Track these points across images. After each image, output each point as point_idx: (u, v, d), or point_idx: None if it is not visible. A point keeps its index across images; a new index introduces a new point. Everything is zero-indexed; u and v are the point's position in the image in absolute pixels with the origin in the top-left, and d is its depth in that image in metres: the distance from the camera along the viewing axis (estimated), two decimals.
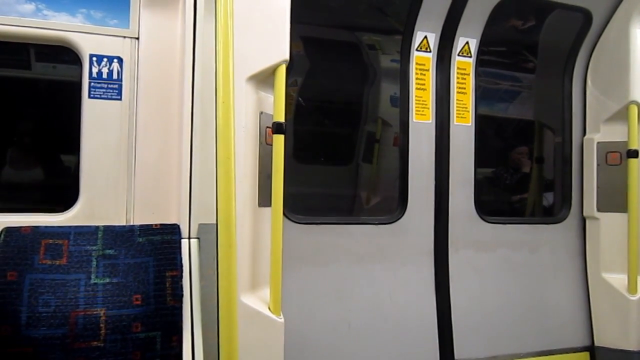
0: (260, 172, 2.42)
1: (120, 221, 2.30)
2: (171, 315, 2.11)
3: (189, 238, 2.29)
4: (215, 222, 2.20)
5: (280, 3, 2.41)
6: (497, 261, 3.64)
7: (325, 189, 4.51)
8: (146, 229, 2.24)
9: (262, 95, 2.44)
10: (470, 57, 3.56)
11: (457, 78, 3.54)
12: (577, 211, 3.84)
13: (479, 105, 3.65)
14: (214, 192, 2.21)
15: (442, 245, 3.49)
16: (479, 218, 3.58)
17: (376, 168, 4.51)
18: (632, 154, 3.53)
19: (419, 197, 3.45)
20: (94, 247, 2.16)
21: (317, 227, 3.24)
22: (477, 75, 3.62)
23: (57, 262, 2.09)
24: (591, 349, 3.76)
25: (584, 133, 3.87)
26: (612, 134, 3.67)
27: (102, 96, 2.30)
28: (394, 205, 3.52)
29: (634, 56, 3.56)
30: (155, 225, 2.26)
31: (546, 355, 3.68)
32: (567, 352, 3.73)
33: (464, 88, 3.55)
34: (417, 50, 3.46)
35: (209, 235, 2.24)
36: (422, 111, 3.48)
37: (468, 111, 3.56)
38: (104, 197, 2.29)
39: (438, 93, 3.51)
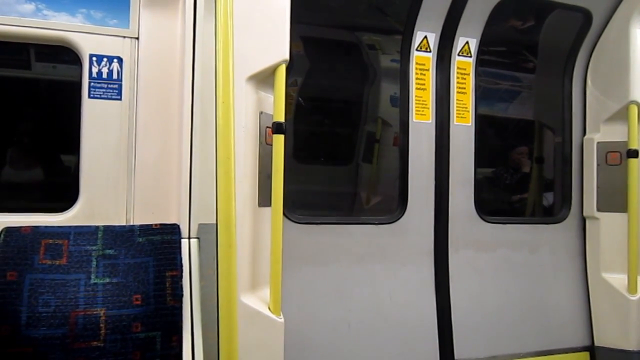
0: (260, 172, 2.42)
1: (120, 221, 2.30)
2: (171, 315, 2.11)
3: (189, 238, 2.29)
4: (215, 222, 2.20)
5: (280, 3, 2.41)
6: (497, 261, 3.64)
7: (325, 189, 4.51)
8: (146, 229, 2.24)
9: (262, 95, 2.44)
10: (470, 57, 3.56)
11: (457, 78, 3.54)
12: (577, 211, 3.84)
13: (479, 105, 3.65)
14: (214, 192, 2.21)
15: (442, 245, 3.49)
16: (479, 218, 3.58)
17: (376, 168, 4.51)
18: (632, 153, 3.53)
19: (419, 197, 3.45)
20: (94, 247, 2.16)
21: (317, 227, 3.24)
22: (477, 75, 3.62)
23: (57, 262, 2.09)
24: (591, 349, 3.76)
25: (584, 133, 3.87)
26: (612, 133, 3.67)
27: (102, 96, 2.30)
28: (394, 205, 3.52)
29: (634, 56, 3.56)
30: (155, 225, 2.25)
31: (546, 355, 3.68)
32: (567, 352, 3.74)
33: (464, 88, 3.55)
34: (417, 50, 3.46)
35: (209, 235, 2.24)
36: (422, 111, 3.48)
37: (468, 111, 3.56)
38: (104, 197, 2.29)
39: (438, 93, 3.51)
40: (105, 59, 2.31)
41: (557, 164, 4.08)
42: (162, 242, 2.20)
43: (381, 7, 4.19)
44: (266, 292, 2.39)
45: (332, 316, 3.20)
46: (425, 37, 3.46)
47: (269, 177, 2.37)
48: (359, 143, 4.68)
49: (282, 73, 2.37)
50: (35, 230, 2.13)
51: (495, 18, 3.57)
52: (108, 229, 2.22)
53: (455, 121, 3.52)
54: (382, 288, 3.35)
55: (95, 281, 2.10)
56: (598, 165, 3.72)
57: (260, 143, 2.43)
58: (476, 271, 3.57)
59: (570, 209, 3.85)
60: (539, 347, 3.68)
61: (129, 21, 2.34)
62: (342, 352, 3.21)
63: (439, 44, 3.50)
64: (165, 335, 2.09)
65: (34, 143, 3.07)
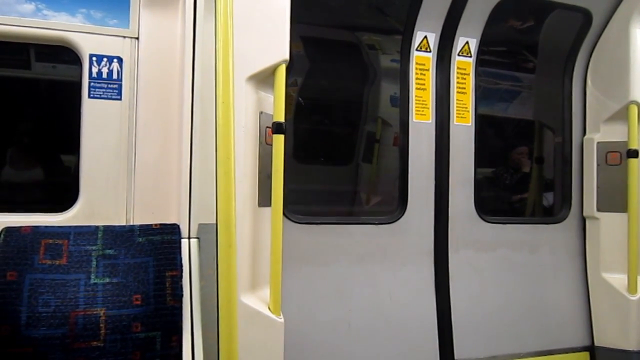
0: (260, 172, 2.42)
1: (120, 221, 2.30)
2: (171, 315, 2.11)
3: (189, 238, 2.29)
4: (215, 222, 2.20)
5: (280, 3, 2.41)
6: (497, 261, 3.64)
7: (325, 189, 4.51)
8: (146, 229, 2.24)
9: (262, 95, 2.44)
10: (470, 57, 3.56)
11: (457, 78, 3.54)
12: (577, 211, 3.84)
13: (479, 105, 3.65)
14: (213, 192, 2.21)
15: (442, 245, 3.49)
16: (479, 218, 3.58)
17: (376, 168, 4.51)
18: (632, 153, 3.53)
19: (419, 197, 3.45)
20: (94, 247, 2.16)
21: (317, 227, 3.24)
22: (477, 75, 3.62)
23: (57, 262, 2.09)
24: (591, 349, 3.76)
25: (584, 133, 3.86)
26: (612, 133, 3.67)
27: (102, 96, 2.30)
28: (394, 205, 3.52)
29: (634, 56, 3.56)
30: (155, 225, 2.25)
31: (546, 355, 3.68)
32: (567, 352, 3.73)
33: (464, 88, 3.55)
34: (417, 50, 3.46)
35: (209, 235, 2.24)
36: (422, 111, 3.48)
37: (468, 111, 3.56)
38: (104, 197, 2.29)
39: (438, 93, 3.51)
40: (105, 59, 2.31)
41: (557, 164, 4.07)
42: (162, 242, 2.20)
43: (381, 7, 4.19)
44: (266, 292, 2.39)
45: (332, 316, 3.20)
46: (425, 37, 3.46)
47: (269, 177, 2.37)
48: (359, 143, 4.69)
49: (282, 73, 2.37)
50: (35, 230, 2.13)
51: (495, 18, 3.57)
52: (108, 229, 2.21)
53: (455, 121, 3.52)
54: (382, 288, 3.35)
55: (95, 281, 2.10)
56: (598, 165, 3.72)
57: (260, 143, 2.43)
58: (476, 271, 3.57)
59: (570, 209, 3.85)
60: (539, 347, 3.68)
61: (129, 21, 2.34)
62: (342, 352, 3.21)
63: (439, 44, 3.49)
64: (165, 335, 2.09)
65: (34, 143, 3.07)
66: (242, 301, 2.26)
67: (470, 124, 3.57)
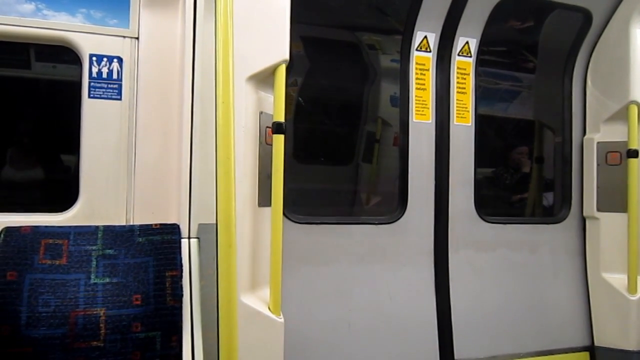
0: (260, 172, 2.42)
1: (120, 221, 2.30)
2: (171, 315, 2.11)
3: (189, 238, 2.29)
4: (215, 222, 2.20)
5: (280, 3, 2.41)
6: (497, 261, 3.64)
7: (325, 189, 4.51)
8: (146, 229, 2.24)
9: (262, 95, 2.44)
10: (470, 57, 3.56)
11: (457, 78, 3.53)
12: (577, 211, 3.84)
13: (479, 105, 3.64)
14: (213, 192, 2.21)
15: (442, 245, 3.49)
16: (479, 218, 3.58)
17: (376, 168, 4.51)
18: (632, 153, 3.53)
19: (419, 197, 3.44)
20: (94, 247, 2.16)
21: (317, 227, 3.24)
22: (477, 75, 3.62)
23: (57, 262, 2.09)
24: (591, 349, 3.76)
25: (584, 133, 3.86)
26: (612, 133, 3.67)
27: (102, 96, 2.30)
28: (394, 205, 3.52)
29: (634, 56, 3.56)
30: (155, 225, 2.25)
31: (546, 355, 3.68)
32: (567, 352, 3.73)
33: (464, 88, 3.55)
34: (417, 50, 3.46)
35: (209, 235, 2.24)
36: (422, 111, 3.48)
37: (468, 111, 3.56)
38: (104, 197, 2.29)
39: (438, 93, 3.51)
40: (105, 59, 2.31)
41: (557, 164, 4.07)
42: (162, 242, 2.20)
43: (381, 7, 4.19)
44: (266, 292, 2.39)
45: (332, 316, 3.20)
46: (425, 37, 3.46)
47: (269, 177, 2.37)
48: (359, 143, 4.68)
49: (282, 73, 2.37)
50: (35, 230, 2.13)
51: (495, 18, 3.57)
52: (108, 229, 2.21)
53: (455, 121, 3.52)
54: (382, 288, 3.35)
55: (95, 281, 2.10)
56: (598, 165, 3.72)
57: (260, 143, 2.43)
58: (476, 271, 3.57)
59: (570, 209, 3.85)
60: (539, 347, 3.68)
61: (129, 21, 2.34)
62: (342, 352, 3.21)
63: (439, 44, 3.49)
64: (165, 335, 2.09)
65: (34, 143, 3.07)
66: (242, 301, 2.26)
67: (470, 124, 3.57)
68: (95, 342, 2.01)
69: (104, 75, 2.30)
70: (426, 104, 3.49)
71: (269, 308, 2.36)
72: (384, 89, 4.45)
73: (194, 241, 2.29)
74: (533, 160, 4.60)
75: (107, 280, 2.11)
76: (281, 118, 2.34)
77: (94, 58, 2.29)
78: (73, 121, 2.29)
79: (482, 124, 3.82)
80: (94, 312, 2.03)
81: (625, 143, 3.58)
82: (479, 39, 3.56)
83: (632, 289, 3.51)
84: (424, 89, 3.48)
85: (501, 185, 4.72)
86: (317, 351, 3.14)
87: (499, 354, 3.56)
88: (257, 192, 2.41)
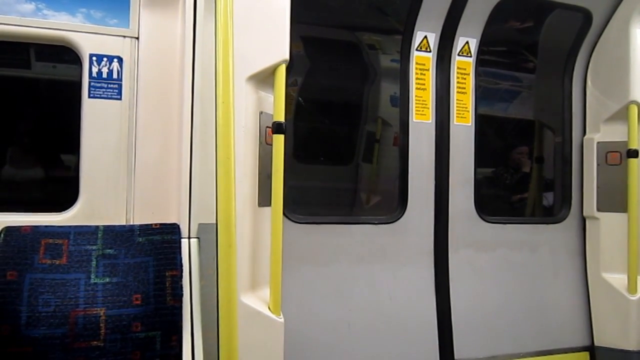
0: (260, 172, 2.42)
1: (120, 221, 2.30)
2: (171, 315, 2.11)
3: (189, 238, 2.29)
4: (215, 221, 2.20)
5: (280, 3, 2.41)
6: (497, 261, 3.64)
7: (325, 188, 4.51)
8: (146, 229, 2.24)
9: (262, 95, 2.44)
10: (470, 56, 3.56)
11: (457, 78, 3.54)
12: (577, 211, 3.84)
13: (479, 105, 3.64)
14: (213, 192, 2.21)
15: (442, 245, 3.49)
16: (479, 218, 3.58)
17: (376, 168, 4.51)
18: (632, 153, 3.53)
19: (419, 197, 3.44)
20: (94, 247, 2.16)
21: (317, 227, 3.24)
22: (477, 75, 3.62)
23: (57, 262, 2.09)
24: (591, 349, 3.76)
25: (584, 133, 3.86)
26: (612, 133, 3.67)
27: (102, 96, 2.30)
28: (394, 205, 3.52)
29: (634, 56, 3.56)
30: (155, 225, 2.25)
31: (546, 355, 3.68)
32: (567, 352, 3.73)
33: (464, 88, 3.55)
34: (417, 50, 3.46)
35: (209, 235, 2.24)
36: (422, 111, 3.48)
37: (468, 111, 3.56)
38: (104, 197, 2.29)
39: (438, 93, 3.51)
40: (105, 59, 2.31)
41: (557, 163, 4.07)
42: (162, 241, 2.20)
43: (381, 7, 4.19)
44: (266, 292, 2.39)
45: (332, 316, 3.20)
46: (425, 37, 3.46)
47: (269, 177, 2.37)
48: (359, 143, 4.69)
49: (282, 73, 2.37)
50: (35, 229, 2.13)
51: (495, 18, 3.57)
52: (108, 229, 2.21)
53: (455, 121, 3.52)
54: (382, 288, 3.35)
55: (95, 281, 2.10)
56: (598, 165, 3.72)
57: (260, 143, 2.43)
58: (476, 271, 3.57)
59: (570, 208, 3.85)
60: (538, 347, 3.68)
61: (129, 21, 2.34)
62: (342, 352, 3.21)
63: (439, 44, 3.49)
64: (165, 335, 2.09)
65: (34, 143, 3.07)
66: (242, 301, 2.26)
67: (470, 124, 3.57)
68: (95, 342, 2.01)
69: (104, 75, 2.30)
70: (426, 104, 3.49)
71: (269, 308, 2.36)
72: (384, 88, 4.46)
73: (194, 241, 2.29)
74: (533, 160, 4.60)
75: (107, 280, 2.11)
76: (281, 118, 2.34)
77: (94, 58, 2.29)
78: (73, 121, 2.29)
79: (482, 124, 3.82)
80: (94, 312, 2.03)
81: (625, 143, 3.57)
82: (479, 39, 3.56)
83: (632, 289, 3.51)
84: (424, 89, 3.48)
85: (501, 185, 4.72)
86: (317, 351, 3.14)
87: (499, 354, 3.56)
88: (257, 192, 2.41)
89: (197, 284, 2.24)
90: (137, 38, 2.34)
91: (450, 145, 3.50)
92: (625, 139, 3.58)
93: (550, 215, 4.10)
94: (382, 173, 4.47)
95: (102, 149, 2.30)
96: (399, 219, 3.41)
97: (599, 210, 3.71)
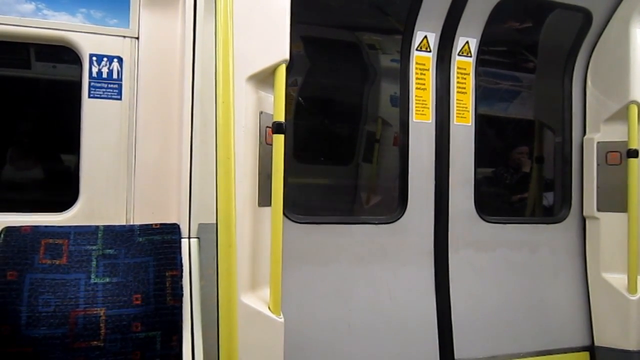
0: (260, 172, 2.42)
1: (120, 221, 2.30)
2: (171, 315, 2.11)
3: (189, 238, 2.29)
4: (215, 221, 2.20)
5: (280, 3, 2.41)
6: (497, 261, 3.64)
7: (325, 188, 4.51)
8: (146, 229, 2.24)
9: (262, 95, 2.44)
10: (471, 56, 3.56)
11: (457, 78, 3.53)
12: (577, 211, 3.84)
13: (479, 105, 3.65)
14: (214, 192, 2.21)
15: (442, 245, 3.49)
16: (479, 218, 3.58)
17: (376, 168, 4.51)
18: (632, 153, 3.53)
19: (419, 196, 3.45)
20: (94, 247, 2.16)
21: (317, 226, 3.24)
22: (477, 75, 3.62)
23: (57, 262, 2.09)
24: (591, 348, 3.76)
25: (584, 133, 3.86)
26: (612, 133, 3.67)
27: (102, 96, 2.30)
28: (394, 205, 3.52)
29: (634, 56, 3.56)
30: (155, 224, 2.25)
31: (546, 355, 3.68)
32: (567, 352, 3.73)
33: (464, 88, 3.55)
34: (417, 50, 3.46)
35: (209, 235, 2.24)
36: (422, 111, 3.48)
37: (468, 111, 3.56)
38: (104, 197, 2.29)
39: (438, 93, 3.51)
40: (105, 59, 2.31)
41: (557, 163, 4.07)
42: (162, 241, 2.20)
43: (381, 7, 4.19)
44: (266, 292, 2.39)
45: (332, 316, 3.20)
46: (425, 37, 3.46)
47: (269, 177, 2.37)
48: (359, 143, 4.68)
49: (282, 73, 2.37)
50: (35, 230, 2.13)
51: (495, 18, 3.57)
52: (108, 229, 2.22)
53: (455, 121, 3.52)
54: (382, 288, 3.35)
55: (95, 281, 2.10)
56: (598, 165, 3.72)
57: (260, 143, 2.43)
58: (476, 271, 3.57)
59: (570, 208, 3.85)
60: (539, 347, 3.68)
61: (129, 21, 2.34)
62: (342, 352, 3.21)
63: (439, 43, 3.49)
64: (165, 335, 2.09)
65: (34, 143, 3.07)
66: (242, 301, 2.26)
67: (470, 124, 3.57)
68: (95, 342, 2.01)
69: (104, 75, 2.30)
70: (426, 104, 3.49)
71: (269, 308, 2.36)
72: (384, 88, 4.46)
73: (194, 241, 2.29)
74: (533, 160, 4.60)
75: (107, 280, 2.11)
76: (281, 118, 2.34)
77: (94, 58, 2.29)
78: (73, 121, 2.29)
79: (482, 123, 3.83)
80: (94, 312, 2.03)
81: (625, 143, 3.58)
82: (479, 38, 3.56)
83: (632, 288, 3.52)
84: (424, 89, 3.48)
85: (501, 185, 4.72)
86: (317, 351, 3.14)
87: (499, 353, 3.56)
88: (257, 192, 2.41)
89: (197, 284, 2.24)
90: (137, 38, 2.34)
91: (450, 145, 3.50)
92: (625, 139, 3.58)
93: (550, 215, 4.10)
94: (382, 173, 4.47)
95: (102, 149, 2.30)
96: (399, 219, 3.41)
97: (599, 210, 3.71)
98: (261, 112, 2.43)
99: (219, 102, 2.16)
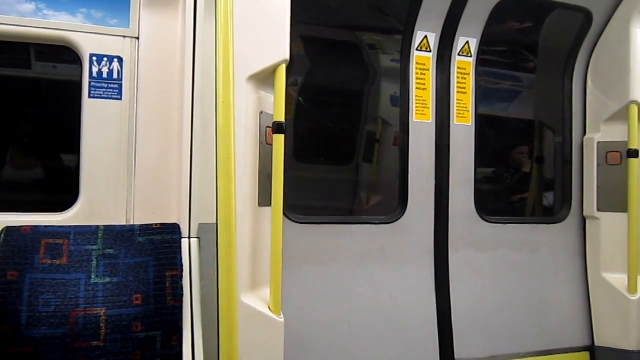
0: (260, 172, 2.42)
1: (120, 221, 2.30)
2: (171, 315, 2.11)
3: (189, 238, 2.29)
4: (215, 221, 2.20)
5: (280, 3, 2.41)
6: (498, 261, 3.64)
7: (325, 188, 4.51)
8: (146, 229, 2.24)
9: (262, 95, 2.44)
10: (471, 56, 3.56)
11: (458, 78, 3.53)
12: (578, 211, 3.84)
13: (479, 105, 3.64)
14: (214, 192, 2.21)
15: (442, 245, 3.49)
16: (479, 218, 3.58)
17: (376, 168, 4.51)
18: (633, 153, 3.53)
19: (419, 196, 3.44)
20: (95, 247, 2.16)
21: (318, 226, 3.24)
22: (478, 75, 3.62)
23: (58, 262, 2.09)
24: (591, 348, 3.76)
25: (584, 133, 3.86)
26: (612, 133, 3.67)
27: (103, 96, 2.30)
28: (394, 205, 3.52)
29: (634, 56, 3.56)
30: (156, 224, 2.26)
31: (546, 355, 3.68)
32: (567, 352, 3.73)
33: (464, 88, 3.55)
34: (417, 50, 3.46)
35: (209, 235, 2.24)
36: (423, 111, 3.48)
37: (468, 111, 3.56)
38: (104, 197, 2.30)
39: (438, 93, 3.51)
40: (105, 59, 2.31)
41: (558, 163, 4.07)
42: (162, 241, 2.20)
43: (381, 7, 4.19)
44: (266, 292, 2.39)
45: (332, 316, 3.20)
46: (426, 37, 3.46)
47: (269, 177, 2.37)
48: (359, 143, 4.68)
49: (282, 73, 2.37)
50: (36, 230, 2.13)
51: (495, 18, 3.57)
52: (108, 229, 2.22)
53: (455, 121, 3.52)
54: (382, 288, 3.35)
55: (96, 281, 2.10)
56: (598, 165, 3.72)
57: (261, 143, 2.43)
58: (476, 271, 3.57)
59: (570, 208, 3.84)
60: (539, 347, 3.68)
61: (129, 21, 2.34)
62: (342, 352, 3.21)
63: (439, 43, 3.49)
64: (165, 335, 2.09)
65: (35, 143, 3.07)
66: (242, 301, 2.26)
67: (470, 124, 3.57)
68: (95, 342, 2.01)
69: (105, 75, 2.30)
70: (426, 104, 3.49)
71: (269, 308, 2.36)
72: (384, 88, 4.45)
73: (194, 241, 2.29)
74: (533, 160, 4.60)
75: (108, 280, 2.11)
76: (281, 118, 2.34)
77: (95, 58, 2.30)
78: (73, 121, 2.29)
79: (483, 123, 3.83)
80: (95, 312, 2.03)
81: (626, 143, 3.58)
82: (479, 39, 3.56)
83: (632, 289, 3.51)
84: (424, 89, 3.48)
85: (501, 185, 4.71)
86: (317, 351, 3.14)
87: (499, 354, 3.56)
88: (257, 192, 2.41)
89: (197, 284, 2.24)
90: (138, 38, 2.34)
91: (450, 145, 3.50)
92: (626, 139, 3.58)
93: (551, 215, 4.10)
94: (382, 173, 4.47)
95: (102, 149, 2.30)
96: (399, 218, 3.41)
97: (599, 210, 3.71)
98: (261, 112, 2.43)
99: (219, 102, 2.16)
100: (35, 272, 2.05)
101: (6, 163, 2.98)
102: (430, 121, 3.49)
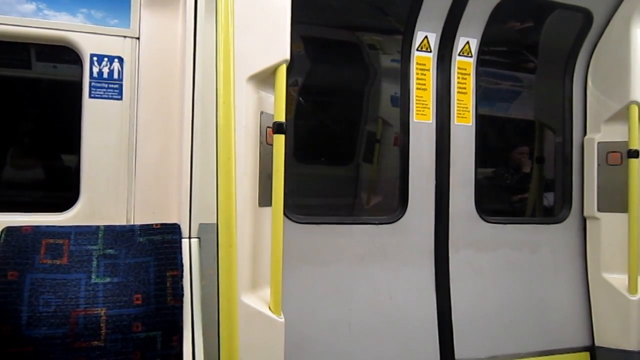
0: (260, 172, 2.42)
1: (120, 221, 2.30)
2: (171, 315, 2.11)
3: (190, 238, 2.29)
4: (215, 221, 2.20)
5: (280, 3, 2.41)
6: (498, 261, 3.64)
7: (325, 188, 4.51)
8: (147, 229, 2.24)
9: (262, 95, 2.44)
10: (471, 57, 3.56)
11: (458, 78, 3.53)
12: (578, 211, 3.84)
13: (480, 105, 3.64)
14: (214, 192, 2.21)
15: (442, 245, 3.49)
16: (480, 218, 3.58)
17: (377, 168, 4.51)
18: (633, 154, 3.53)
19: (420, 197, 3.45)
20: (95, 247, 2.16)
21: (318, 227, 3.24)
22: (478, 75, 3.62)
23: (58, 262, 2.09)
24: (591, 349, 3.76)
25: (585, 133, 3.86)
26: (612, 134, 3.67)
27: (103, 96, 2.30)
28: (394, 205, 3.52)
29: (634, 56, 3.56)
30: (156, 224, 2.26)
31: (546, 355, 3.68)
32: (567, 352, 3.73)
33: (465, 88, 3.55)
34: (417, 50, 3.46)
35: (210, 235, 2.24)
36: (423, 111, 3.48)
37: (468, 111, 3.56)
38: (105, 197, 2.30)
39: (438, 93, 3.51)
40: (106, 59, 2.31)
41: (558, 164, 4.07)
42: (162, 241, 2.20)
43: (382, 7, 4.19)
44: (266, 292, 2.39)
45: (332, 316, 3.20)
46: (426, 37, 3.46)
47: (270, 177, 2.37)
48: (359, 143, 4.69)
49: (282, 73, 2.37)
50: (36, 229, 2.13)
51: (496, 18, 3.56)
52: (109, 229, 2.22)
53: (455, 121, 3.52)
54: (382, 288, 3.35)
55: (96, 281, 2.10)
56: (599, 165, 3.72)
57: (261, 143, 2.43)
58: (476, 271, 3.57)
59: (570, 209, 3.84)
60: (539, 347, 3.68)
61: (129, 21, 2.34)
62: (342, 352, 3.21)
63: (439, 44, 3.49)
64: (165, 335, 2.09)
65: (35, 143, 3.08)
66: (242, 301, 2.26)
67: (470, 124, 3.57)
68: (95, 342, 2.01)
69: (105, 75, 2.31)
70: (427, 104, 3.49)
71: (269, 308, 2.36)
72: (385, 89, 4.46)
73: (194, 241, 2.29)
74: (534, 160, 4.60)
75: (108, 280, 2.11)
76: (282, 118, 2.34)
77: (95, 58, 2.30)
78: (74, 121, 2.29)
79: (483, 124, 3.82)
80: (95, 312, 2.04)
81: (626, 143, 3.57)
82: (480, 39, 3.56)
83: (632, 289, 3.51)
84: (424, 89, 3.48)
85: (502, 185, 4.71)
86: (317, 351, 3.14)
87: (499, 354, 3.56)
88: (257, 192, 2.41)
89: (197, 284, 2.24)
90: (138, 38, 2.34)
91: (450, 145, 3.50)
92: (626, 139, 3.58)
93: (551, 215, 4.10)
94: (382, 173, 4.47)
95: (102, 149, 2.30)
96: (399, 219, 3.41)
97: (599, 210, 3.71)
98: (262, 112, 2.43)
99: (220, 102, 2.16)
100: (36, 272, 2.05)
101: (7, 163, 2.99)
102: (430, 121, 3.49)
